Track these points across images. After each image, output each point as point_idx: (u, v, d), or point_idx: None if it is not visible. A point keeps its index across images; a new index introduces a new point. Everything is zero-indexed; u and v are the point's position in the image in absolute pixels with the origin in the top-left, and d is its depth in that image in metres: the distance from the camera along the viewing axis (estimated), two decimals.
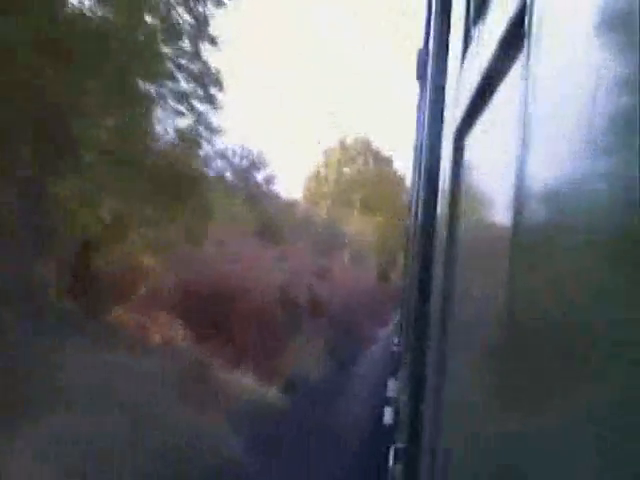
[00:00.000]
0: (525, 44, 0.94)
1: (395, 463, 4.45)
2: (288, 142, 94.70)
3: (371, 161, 62.83)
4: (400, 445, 4.24)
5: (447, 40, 2.71)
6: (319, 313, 25.07)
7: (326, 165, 62.20)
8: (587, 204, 0.61)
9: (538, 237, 0.81)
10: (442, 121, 2.53)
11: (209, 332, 18.24)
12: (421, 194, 3.52)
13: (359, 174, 62.55)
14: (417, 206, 4.67)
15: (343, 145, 62.31)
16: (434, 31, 3.21)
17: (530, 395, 0.79)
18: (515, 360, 0.88)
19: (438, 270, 2.30)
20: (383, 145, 72.51)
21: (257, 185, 46.62)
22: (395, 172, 63.37)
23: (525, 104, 0.92)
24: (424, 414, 2.70)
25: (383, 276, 49.72)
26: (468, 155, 1.73)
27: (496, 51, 1.20)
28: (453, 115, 1.99)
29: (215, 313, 19.17)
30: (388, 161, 63.36)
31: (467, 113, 1.61)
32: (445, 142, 2.29)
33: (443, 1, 2.91)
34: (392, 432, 6.57)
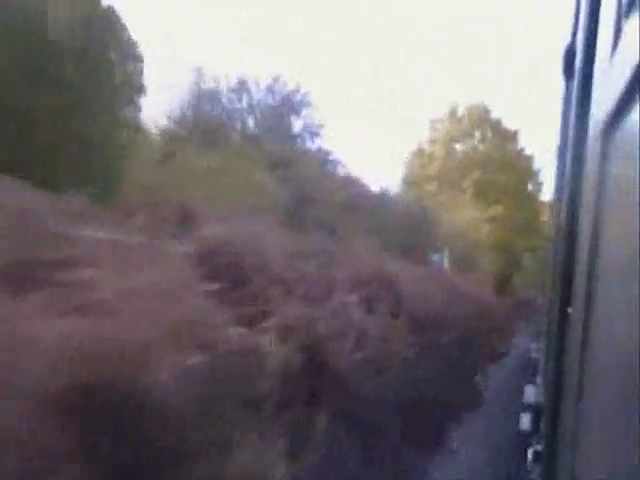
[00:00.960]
0: None
1: (533, 465, 4.39)
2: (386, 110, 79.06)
3: (490, 135, 49.65)
4: (538, 448, 4.17)
5: (596, 34, 2.63)
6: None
7: (432, 140, 49.17)
8: None
9: None
10: (588, 117, 2.46)
11: None
12: (565, 192, 3.43)
13: (474, 151, 49.21)
14: (560, 204, 4.55)
15: (454, 115, 49.23)
16: (583, 25, 3.13)
17: None
18: None
19: (581, 276, 2.24)
20: (506, 117, 55.51)
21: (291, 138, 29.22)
22: (521, 150, 50.40)
23: None
24: (563, 419, 2.64)
25: (499, 285, 38.73)
26: (616, 152, 1.68)
27: None
28: (601, 110, 1.94)
29: None
30: (512, 136, 50.08)
31: (617, 108, 1.57)
32: (592, 138, 2.22)
33: None
34: (529, 437, 6.46)
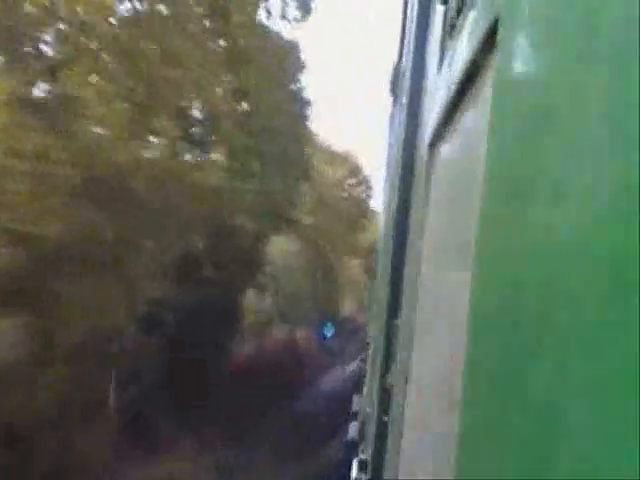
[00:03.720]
0: (495, 57, 0.97)
1: (359, 473, 4.46)
2: None
3: None
4: (364, 457, 4.25)
5: (424, 54, 2.74)
6: None
7: None
8: (551, 205, 0.62)
9: (503, 237, 0.82)
10: (417, 133, 2.56)
11: None
12: (395, 204, 3.54)
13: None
14: (389, 218, 4.70)
15: None
16: (411, 45, 3.24)
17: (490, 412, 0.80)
18: (474, 379, 0.90)
19: (407, 285, 2.32)
20: None
21: None
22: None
23: (495, 113, 0.94)
24: (388, 427, 2.71)
25: None
26: (441, 162, 1.74)
27: (469, 64, 1.23)
28: (429, 123, 2.01)
29: None
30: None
31: (440, 122, 1.63)
32: (419, 151, 2.31)
33: (419, 16, 2.94)
34: (356, 445, 6.57)
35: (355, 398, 9.35)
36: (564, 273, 0.57)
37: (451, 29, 1.72)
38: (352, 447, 7.08)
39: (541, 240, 0.65)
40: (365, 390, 8.21)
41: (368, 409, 5.39)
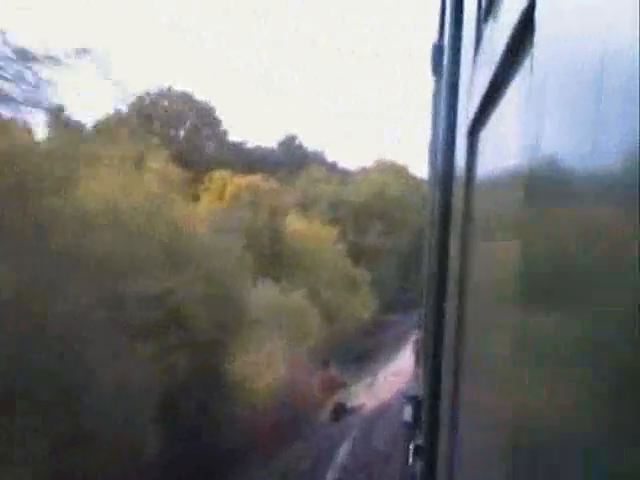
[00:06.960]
0: (534, 40, 0.95)
1: (415, 459, 4.47)
2: None
3: None
4: (419, 442, 4.25)
5: (460, 36, 2.71)
6: None
7: None
8: (595, 193, 0.61)
9: (549, 226, 0.81)
10: (457, 115, 2.54)
11: None
12: (437, 190, 3.52)
13: None
14: (433, 203, 4.67)
15: None
16: (448, 27, 3.21)
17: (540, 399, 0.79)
18: (523, 374, 0.89)
19: (454, 270, 2.30)
20: None
21: None
22: None
23: (535, 97, 0.92)
24: (441, 413, 2.70)
25: None
26: (482, 147, 1.73)
27: (506, 47, 1.21)
28: (467, 109, 1.99)
29: None
30: None
31: (480, 107, 1.61)
32: (460, 135, 2.29)
33: None
34: (412, 429, 6.57)
35: (411, 382, 9.34)
36: (612, 257, 0.56)
37: (486, 12, 1.70)
38: (409, 429, 7.08)
39: (584, 231, 0.64)
40: (419, 373, 8.21)
41: (422, 393, 5.39)
